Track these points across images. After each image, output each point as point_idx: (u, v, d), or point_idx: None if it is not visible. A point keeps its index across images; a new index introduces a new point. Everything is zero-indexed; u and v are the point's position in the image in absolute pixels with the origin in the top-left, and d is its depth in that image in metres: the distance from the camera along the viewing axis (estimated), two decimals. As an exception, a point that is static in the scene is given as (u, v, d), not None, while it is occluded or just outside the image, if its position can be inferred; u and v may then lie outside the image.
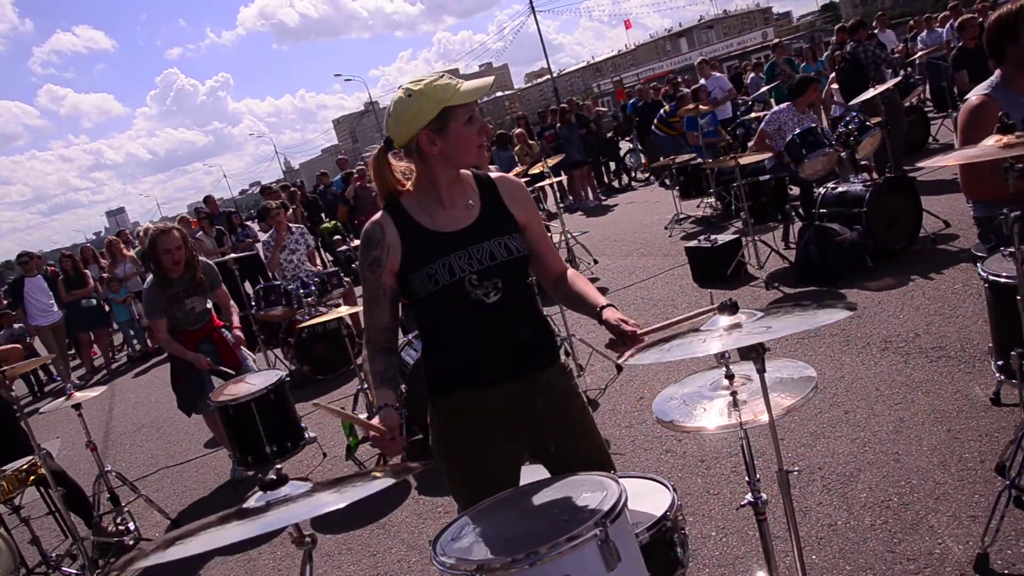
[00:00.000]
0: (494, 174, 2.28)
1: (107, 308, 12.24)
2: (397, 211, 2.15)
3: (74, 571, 4.47)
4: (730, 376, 2.10)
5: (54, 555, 4.68)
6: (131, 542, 4.79)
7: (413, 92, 2.04)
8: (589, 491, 1.67)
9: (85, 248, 13.38)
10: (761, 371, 1.78)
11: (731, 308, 1.77)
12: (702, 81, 13.18)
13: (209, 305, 5.36)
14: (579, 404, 2.29)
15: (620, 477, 2.09)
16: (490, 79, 2.12)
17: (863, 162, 7.09)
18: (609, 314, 2.05)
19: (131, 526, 4.91)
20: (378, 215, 2.16)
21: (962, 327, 4.62)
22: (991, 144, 2.62)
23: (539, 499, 1.75)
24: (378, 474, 1.61)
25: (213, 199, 13.33)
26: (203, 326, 5.34)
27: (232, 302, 5.51)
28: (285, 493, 1.46)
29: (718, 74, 13.68)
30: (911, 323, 4.89)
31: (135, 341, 12.32)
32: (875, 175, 6.57)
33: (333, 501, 1.41)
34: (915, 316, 4.99)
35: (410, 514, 4.27)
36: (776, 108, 7.38)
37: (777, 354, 3.41)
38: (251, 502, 1.47)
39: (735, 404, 2.06)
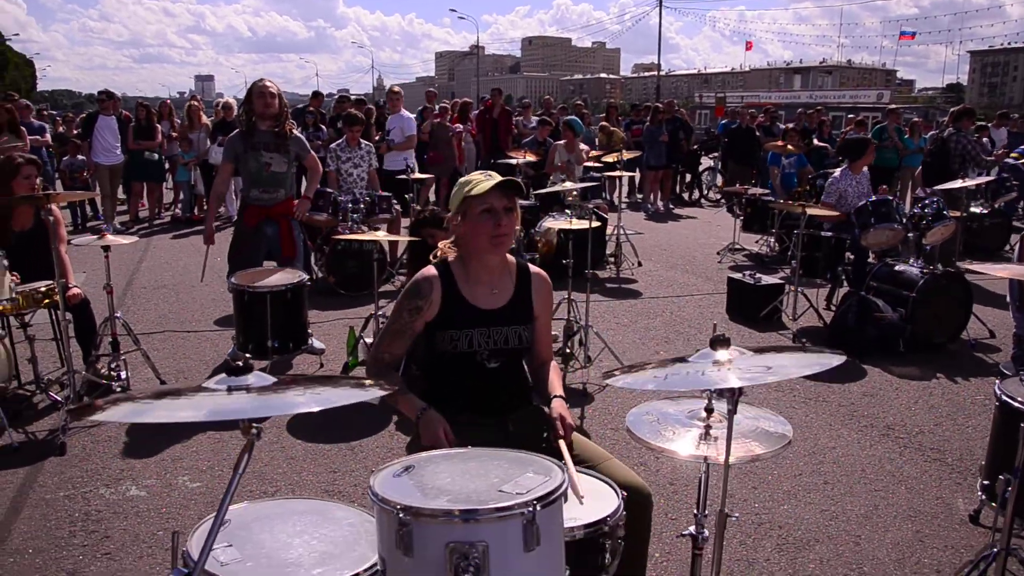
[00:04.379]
0: (532, 268, 2.67)
1: (167, 166, 12.50)
2: (447, 276, 2.53)
3: (59, 398, 4.64)
4: (709, 410, 2.11)
5: (46, 378, 4.87)
6: (118, 388, 4.95)
7: (459, 182, 2.52)
8: (535, 472, 1.70)
9: (164, 104, 13.56)
10: (732, 412, 1.79)
11: (723, 343, 1.78)
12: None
13: (286, 172, 5.56)
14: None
15: (581, 473, 2.13)
16: (492, 182, 2.38)
17: (927, 248, 6.92)
18: (556, 404, 2.49)
19: (123, 375, 5.06)
20: (431, 272, 2.53)
21: (968, 439, 4.54)
22: (1045, 267, 2.58)
23: (485, 464, 1.79)
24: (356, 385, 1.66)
25: (320, 97, 13.53)
26: (275, 206, 5.53)
27: (320, 170, 6.18)
28: (248, 382, 1.50)
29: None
30: (920, 418, 4.82)
31: (180, 205, 12.56)
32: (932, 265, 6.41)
33: (303, 403, 1.45)
34: (926, 413, 4.91)
35: (381, 446, 4.35)
36: (832, 177, 7.24)
37: (767, 404, 3.39)
38: (211, 383, 1.52)
39: (706, 437, 2.07)
